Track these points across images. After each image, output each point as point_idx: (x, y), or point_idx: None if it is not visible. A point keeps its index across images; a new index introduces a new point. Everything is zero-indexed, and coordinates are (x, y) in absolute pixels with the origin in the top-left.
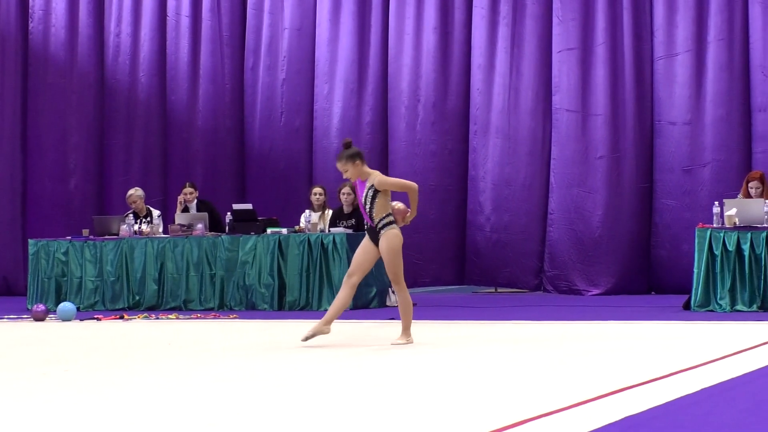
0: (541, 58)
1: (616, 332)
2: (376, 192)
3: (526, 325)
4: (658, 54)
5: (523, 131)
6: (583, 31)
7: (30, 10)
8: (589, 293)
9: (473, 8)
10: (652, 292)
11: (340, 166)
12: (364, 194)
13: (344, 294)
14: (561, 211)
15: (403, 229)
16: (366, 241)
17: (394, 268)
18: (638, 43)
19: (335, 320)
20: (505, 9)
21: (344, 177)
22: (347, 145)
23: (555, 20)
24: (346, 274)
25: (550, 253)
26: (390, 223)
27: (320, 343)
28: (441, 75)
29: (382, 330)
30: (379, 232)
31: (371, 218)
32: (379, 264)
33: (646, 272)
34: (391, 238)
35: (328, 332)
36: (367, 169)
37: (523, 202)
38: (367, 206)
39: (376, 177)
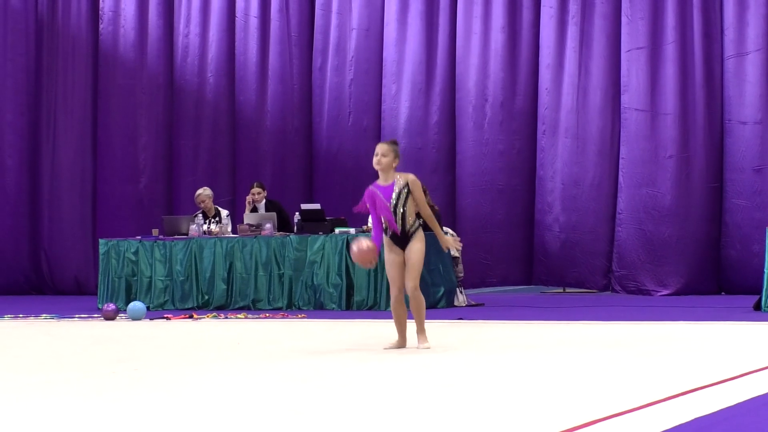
0: (610, 58)
1: (685, 333)
2: (408, 193)
3: (595, 326)
4: (728, 53)
5: (592, 131)
6: (652, 29)
7: (100, 12)
8: (658, 293)
9: (541, 8)
10: (722, 293)
11: (382, 149)
12: (394, 196)
13: (403, 311)
14: (630, 210)
15: (471, 229)
16: (390, 255)
17: (421, 269)
18: (708, 41)
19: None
20: (573, 8)
21: (374, 163)
22: (395, 142)
23: (624, 19)
24: (396, 293)
25: (618, 253)
26: (420, 225)
27: (387, 343)
28: (509, 75)
29: (450, 330)
30: (410, 237)
31: (404, 223)
32: (446, 263)
33: (715, 272)
34: (422, 237)
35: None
36: (396, 172)
37: (592, 202)
38: (400, 209)
39: (410, 177)
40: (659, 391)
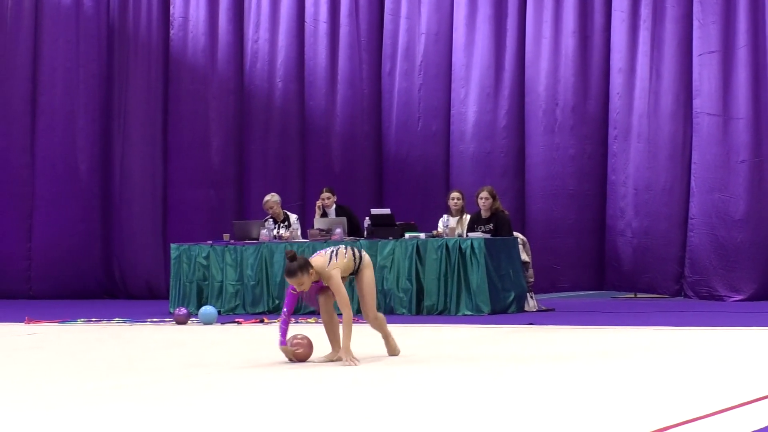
0: (682, 62)
1: (758, 338)
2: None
3: (667, 331)
4: None
5: (664, 135)
6: (724, 33)
7: (171, 18)
8: (731, 299)
9: (612, 12)
10: None
11: (295, 281)
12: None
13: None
14: (702, 215)
15: (541, 234)
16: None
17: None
18: None
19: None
20: (645, 12)
21: (298, 289)
22: (292, 258)
23: (696, 23)
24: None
25: (690, 259)
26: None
27: (459, 348)
28: (580, 79)
29: (521, 335)
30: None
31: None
32: (517, 268)
33: None
34: (369, 265)
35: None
36: (319, 266)
37: (663, 207)
38: None
39: (331, 277)
40: (732, 397)
